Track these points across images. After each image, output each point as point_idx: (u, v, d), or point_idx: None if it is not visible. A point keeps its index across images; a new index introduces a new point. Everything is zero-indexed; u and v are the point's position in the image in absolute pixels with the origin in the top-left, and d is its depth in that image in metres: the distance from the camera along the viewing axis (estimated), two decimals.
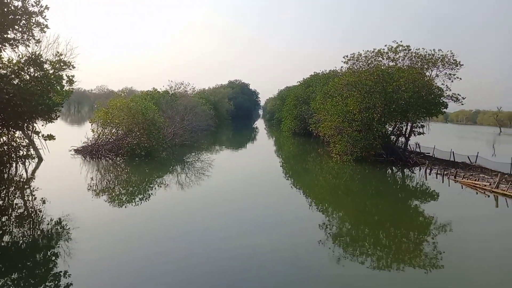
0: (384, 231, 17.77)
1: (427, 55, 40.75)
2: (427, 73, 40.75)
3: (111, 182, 25.38)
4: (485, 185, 26.71)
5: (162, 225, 16.49)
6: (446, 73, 40.44)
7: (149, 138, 34.14)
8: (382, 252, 14.78)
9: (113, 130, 34.91)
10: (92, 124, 36.34)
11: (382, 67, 39.41)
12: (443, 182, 29.59)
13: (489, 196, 24.88)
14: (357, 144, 35.51)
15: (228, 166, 35.22)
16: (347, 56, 43.48)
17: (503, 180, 27.83)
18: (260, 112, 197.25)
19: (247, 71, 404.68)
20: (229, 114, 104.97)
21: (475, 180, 28.55)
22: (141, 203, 20.07)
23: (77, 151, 34.25)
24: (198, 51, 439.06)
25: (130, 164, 31.28)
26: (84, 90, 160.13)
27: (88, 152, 33.56)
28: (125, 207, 19.31)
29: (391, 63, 41.33)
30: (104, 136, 34.87)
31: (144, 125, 34.15)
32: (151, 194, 22.35)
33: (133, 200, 20.67)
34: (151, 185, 24.89)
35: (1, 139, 21.20)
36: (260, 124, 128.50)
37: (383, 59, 41.59)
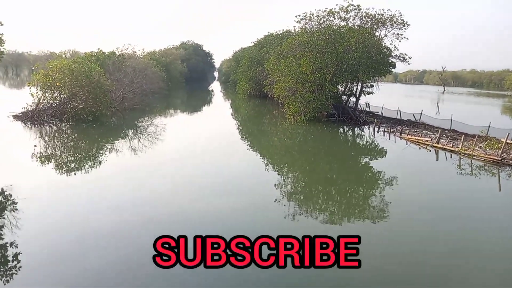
0: (336, 188, 18.60)
1: (376, 15, 41.43)
2: (376, 33, 41.63)
3: (57, 149, 24.05)
4: (427, 141, 28.52)
5: (115, 192, 16.04)
6: (394, 33, 41.62)
7: (96, 102, 32.32)
8: (334, 207, 15.54)
9: (55, 94, 32.53)
10: (30, 88, 33.57)
11: (334, 27, 39.59)
12: (389, 139, 31.21)
13: (430, 150, 26.68)
14: (310, 104, 36.09)
15: (183, 130, 34.57)
16: (299, 16, 43.11)
17: (443, 135, 29.90)
18: (216, 74, 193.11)
19: (201, 32, 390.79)
20: (182, 76, 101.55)
21: (419, 136, 30.38)
22: (91, 170, 19.29)
23: (16, 117, 31.78)
24: (151, 9, 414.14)
25: (77, 130, 29.68)
26: (22, 52, 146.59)
27: (28, 118, 31.24)
28: (74, 174, 18.47)
29: (342, 23, 41.64)
30: (46, 101, 32.48)
31: (89, 88, 32.13)
32: (102, 160, 21.51)
33: (83, 167, 19.81)
34: (101, 151, 23.91)
35: None
36: (215, 86, 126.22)
37: (335, 18, 41.76)
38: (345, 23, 41.51)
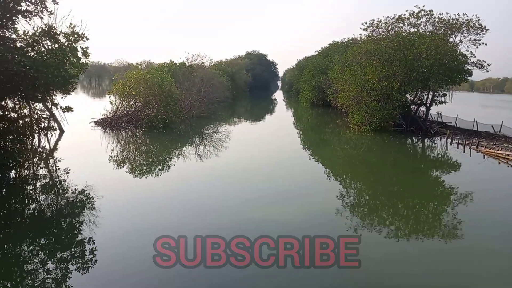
0: (403, 202, 17.65)
1: (451, 20, 38.95)
2: (451, 39, 39.09)
3: (131, 153, 25.89)
4: (508, 155, 25.98)
5: (182, 195, 16.86)
6: (470, 38, 38.78)
7: (166, 110, 34.36)
8: (400, 222, 14.75)
9: (131, 102, 35.22)
10: (110, 97, 36.75)
11: (403, 34, 37.94)
12: (464, 152, 28.93)
13: None
14: (376, 114, 34.82)
15: (246, 138, 35.30)
16: (366, 23, 41.98)
17: None
18: (279, 83, 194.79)
19: (265, 42, 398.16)
20: (246, 85, 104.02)
21: (498, 150, 27.77)
22: (161, 173, 20.48)
23: (97, 123, 34.88)
24: (217, 21, 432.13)
25: (149, 136, 31.73)
26: (104, 63, 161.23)
27: (107, 124, 34.15)
28: (146, 177, 19.77)
29: (412, 29, 39.77)
30: (123, 108, 35.29)
31: (161, 97, 34.30)
32: (171, 165, 22.73)
33: (153, 171, 21.11)
34: (170, 156, 25.29)
35: (23, 111, 21.57)
36: (278, 95, 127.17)
37: (404, 25, 40.03)
38: (415, 30, 39.61)
